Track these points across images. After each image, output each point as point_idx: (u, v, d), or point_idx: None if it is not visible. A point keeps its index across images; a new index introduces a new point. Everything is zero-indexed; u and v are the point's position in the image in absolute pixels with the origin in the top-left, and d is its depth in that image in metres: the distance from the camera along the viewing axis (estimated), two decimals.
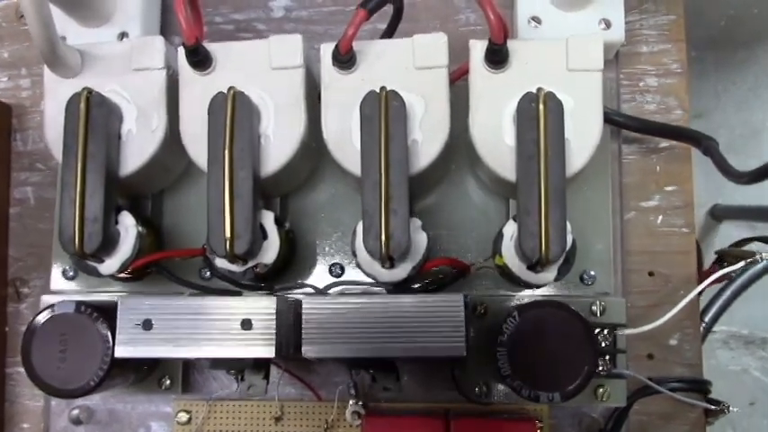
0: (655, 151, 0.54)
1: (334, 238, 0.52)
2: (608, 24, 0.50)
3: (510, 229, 0.44)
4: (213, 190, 0.43)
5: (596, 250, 0.51)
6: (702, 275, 0.55)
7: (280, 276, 0.50)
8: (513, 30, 0.52)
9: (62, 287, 0.53)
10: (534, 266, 0.42)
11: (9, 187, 0.58)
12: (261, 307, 0.41)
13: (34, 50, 0.58)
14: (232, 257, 0.43)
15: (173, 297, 0.42)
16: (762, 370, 1.45)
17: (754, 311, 1.41)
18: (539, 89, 0.42)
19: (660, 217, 0.54)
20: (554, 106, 0.42)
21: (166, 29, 0.57)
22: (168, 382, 0.51)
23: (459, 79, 0.49)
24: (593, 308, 0.49)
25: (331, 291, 0.48)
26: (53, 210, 0.56)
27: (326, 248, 0.52)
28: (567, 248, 0.43)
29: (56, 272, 0.53)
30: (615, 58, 0.55)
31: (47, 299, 0.51)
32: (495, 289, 0.50)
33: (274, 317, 0.40)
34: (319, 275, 0.52)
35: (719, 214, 1.43)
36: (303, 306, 0.41)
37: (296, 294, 0.48)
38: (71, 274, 0.52)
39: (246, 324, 0.41)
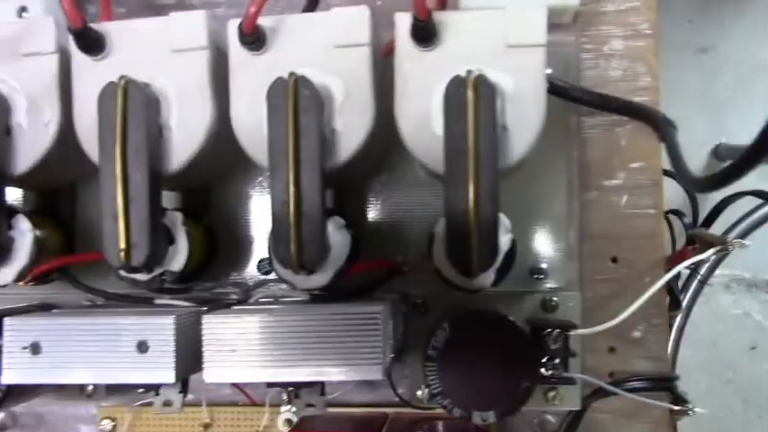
0: (619, 124, 0.49)
1: (263, 231, 0.47)
2: None
3: (441, 230, 0.39)
4: (105, 194, 0.38)
5: (549, 240, 0.46)
6: (675, 259, 0.50)
7: (202, 274, 0.46)
8: None
9: None
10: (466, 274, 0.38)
11: None
12: (158, 326, 0.37)
13: None
14: (129, 269, 0.38)
15: (64, 315, 0.39)
16: (764, 313, 1.42)
17: (757, 254, 1.37)
18: (468, 72, 0.37)
19: (625, 197, 0.49)
20: (486, 91, 0.37)
21: None
22: (91, 388, 0.47)
23: (391, 53, 0.43)
24: (545, 304, 0.45)
25: (254, 296, 0.43)
26: None
27: (254, 242, 0.47)
28: (505, 252, 0.39)
29: None
30: (575, 20, 0.48)
31: None
32: (437, 284, 0.46)
33: (173, 337, 0.36)
34: (248, 271, 0.47)
35: (723, 154, 1.37)
36: (203, 327, 0.36)
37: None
38: None
39: (142, 346, 0.37)
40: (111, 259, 0.38)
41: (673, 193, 0.62)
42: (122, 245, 0.38)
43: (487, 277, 0.39)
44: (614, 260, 0.49)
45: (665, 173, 0.49)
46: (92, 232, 0.48)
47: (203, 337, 0.36)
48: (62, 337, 0.37)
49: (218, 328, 0.37)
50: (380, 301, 0.39)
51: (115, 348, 0.37)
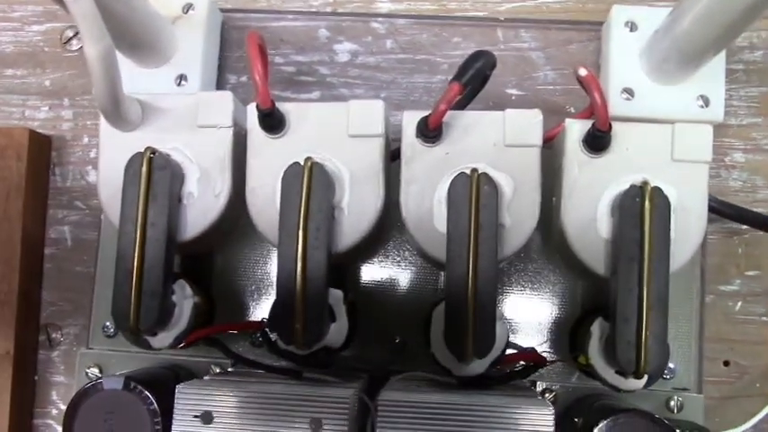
0: (737, 232, 0.51)
1: (399, 310, 0.48)
2: (706, 102, 0.47)
3: (598, 330, 0.41)
4: (285, 273, 0.39)
5: (679, 341, 0.47)
6: None
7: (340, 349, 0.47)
8: None
9: (102, 345, 0.49)
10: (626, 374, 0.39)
11: (45, 226, 0.54)
12: (334, 404, 0.37)
13: (78, 79, 0.55)
14: (300, 346, 0.39)
15: (236, 385, 0.39)
16: None
17: None
18: (644, 183, 0.39)
19: (739, 303, 0.51)
20: (661, 203, 0.39)
21: (223, 66, 0.54)
22: None
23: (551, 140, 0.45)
24: (671, 403, 0.47)
25: (396, 377, 0.44)
26: (91, 252, 0.52)
27: (390, 321, 0.48)
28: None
29: (96, 327, 0.49)
30: None
31: (85, 357, 0.49)
32: (567, 376, 0.47)
33: (347, 419, 0.37)
34: (379, 350, 0.48)
35: None
36: (379, 410, 0.37)
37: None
38: (112, 331, 0.49)
39: (316, 424, 0.37)
40: (283, 336, 0.39)
41: None
42: (298, 324, 0.39)
43: (642, 380, 0.40)
44: (726, 363, 0.50)
45: None
46: (230, 301, 0.48)
47: (379, 424, 0.37)
48: (234, 409, 0.38)
49: (393, 416, 0.37)
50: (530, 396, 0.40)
51: (287, 423, 0.37)
